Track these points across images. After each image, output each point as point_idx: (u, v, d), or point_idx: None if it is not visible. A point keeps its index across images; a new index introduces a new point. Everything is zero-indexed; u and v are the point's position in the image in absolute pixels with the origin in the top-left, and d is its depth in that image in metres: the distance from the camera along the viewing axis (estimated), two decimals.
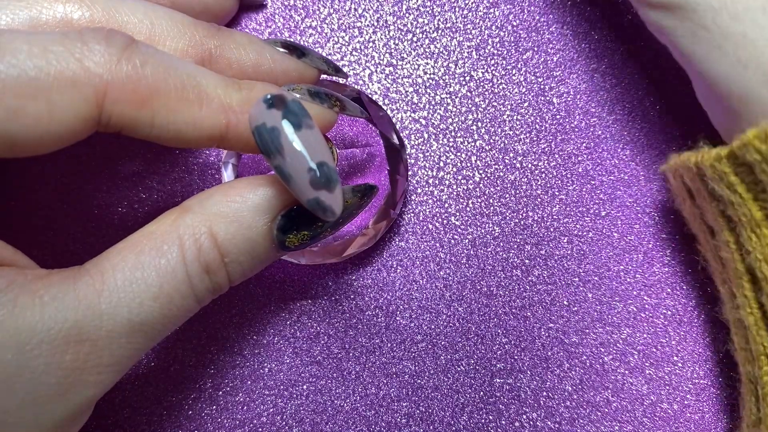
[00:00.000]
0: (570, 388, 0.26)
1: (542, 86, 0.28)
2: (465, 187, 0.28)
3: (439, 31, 0.28)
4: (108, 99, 0.17)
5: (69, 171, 0.27)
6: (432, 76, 0.28)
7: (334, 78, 0.26)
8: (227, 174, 0.25)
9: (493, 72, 0.28)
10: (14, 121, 0.16)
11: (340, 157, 0.24)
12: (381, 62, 0.28)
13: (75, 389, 0.17)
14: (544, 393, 0.26)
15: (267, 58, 0.22)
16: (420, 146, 0.28)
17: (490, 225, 0.27)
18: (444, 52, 0.28)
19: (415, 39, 0.28)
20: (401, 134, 0.27)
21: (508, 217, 0.27)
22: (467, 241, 0.27)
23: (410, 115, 0.28)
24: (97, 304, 0.17)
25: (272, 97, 0.17)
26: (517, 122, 0.28)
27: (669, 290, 0.27)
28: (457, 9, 0.28)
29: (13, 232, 0.27)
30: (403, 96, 0.28)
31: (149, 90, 0.17)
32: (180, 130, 0.18)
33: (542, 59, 0.28)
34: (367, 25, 0.28)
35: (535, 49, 0.28)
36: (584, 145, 0.28)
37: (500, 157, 0.28)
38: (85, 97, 0.17)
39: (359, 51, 0.28)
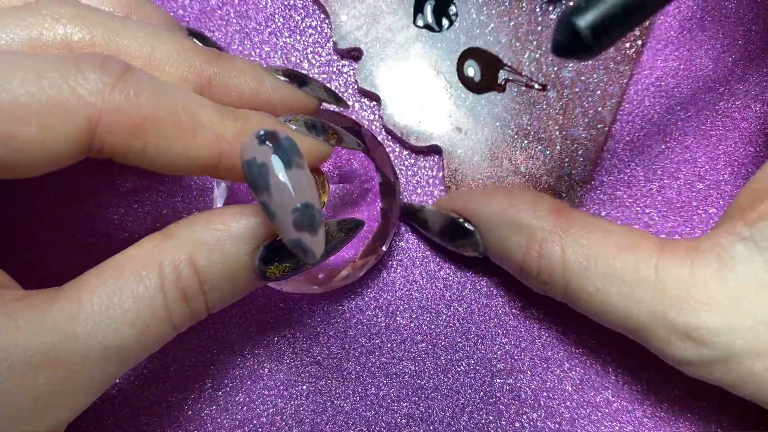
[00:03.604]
0: (570, 388, 0.26)
1: None
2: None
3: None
4: (100, 127, 0.17)
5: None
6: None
7: (335, 107, 0.26)
8: (219, 191, 0.25)
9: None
10: (5, 145, 0.16)
11: (332, 191, 0.24)
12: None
13: (47, 412, 0.17)
14: (544, 393, 0.26)
15: (266, 86, 0.21)
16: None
17: None
18: None
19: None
20: (396, 170, 0.26)
21: None
22: None
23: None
24: (73, 328, 0.17)
25: (265, 132, 0.17)
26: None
27: None
28: None
29: None
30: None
31: (142, 119, 0.17)
32: (172, 159, 0.18)
33: None
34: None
35: None
36: None
37: None
38: (77, 124, 0.16)
39: None
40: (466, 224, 0.25)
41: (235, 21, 0.29)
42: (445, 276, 0.27)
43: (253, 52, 0.29)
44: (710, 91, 0.29)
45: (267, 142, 0.17)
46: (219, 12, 0.29)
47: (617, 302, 0.21)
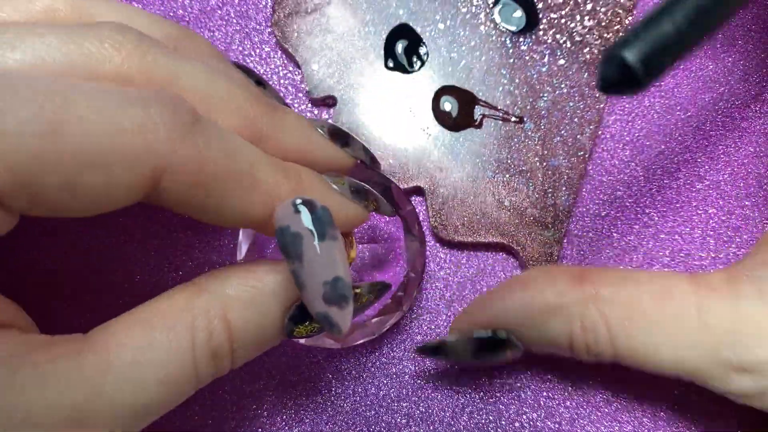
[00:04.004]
0: (570, 388, 0.26)
1: None
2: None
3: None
4: (165, 177, 0.16)
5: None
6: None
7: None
8: (244, 233, 0.24)
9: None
10: (68, 192, 0.15)
11: (359, 250, 0.24)
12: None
13: None
14: (544, 393, 0.26)
15: (312, 145, 0.21)
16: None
17: None
18: None
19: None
20: (423, 229, 0.26)
21: None
22: None
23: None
24: (102, 385, 0.16)
25: (303, 201, 0.17)
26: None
27: None
28: None
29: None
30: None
31: (207, 174, 0.16)
32: (227, 215, 0.18)
33: None
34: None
35: None
36: None
37: None
38: (143, 173, 0.16)
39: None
40: (497, 334, 0.23)
41: (235, 21, 0.29)
42: (445, 276, 0.27)
43: (253, 52, 0.29)
44: (710, 91, 0.29)
45: (303, 212, 0.17)
46: (219, 12, 0.29)
47: (667, 352, 0.21)
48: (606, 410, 0.26)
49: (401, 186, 0.27)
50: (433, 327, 0.27)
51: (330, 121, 0.28)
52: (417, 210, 0.27)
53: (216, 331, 0.17)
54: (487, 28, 0.28)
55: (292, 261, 0.17)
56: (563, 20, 0.28)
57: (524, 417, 0.26)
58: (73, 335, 0.17)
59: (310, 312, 0.18)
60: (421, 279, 0.26)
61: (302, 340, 0.25)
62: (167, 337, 0.17)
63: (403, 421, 0.26)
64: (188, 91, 0.18)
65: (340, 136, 0.22)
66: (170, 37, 0.20)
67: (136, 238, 0.27)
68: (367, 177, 0.24)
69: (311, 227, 0.17)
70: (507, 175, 0.27)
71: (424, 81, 0.28)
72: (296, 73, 0.29)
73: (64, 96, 0.15)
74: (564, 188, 0.27)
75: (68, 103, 0.15)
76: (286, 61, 0.29)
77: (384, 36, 0.28)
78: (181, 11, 0.29)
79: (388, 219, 0.25)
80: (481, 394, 0.26)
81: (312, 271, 0.17)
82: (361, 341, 0.25)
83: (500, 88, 0.28)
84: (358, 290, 0.20)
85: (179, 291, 0.18)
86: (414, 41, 0.28)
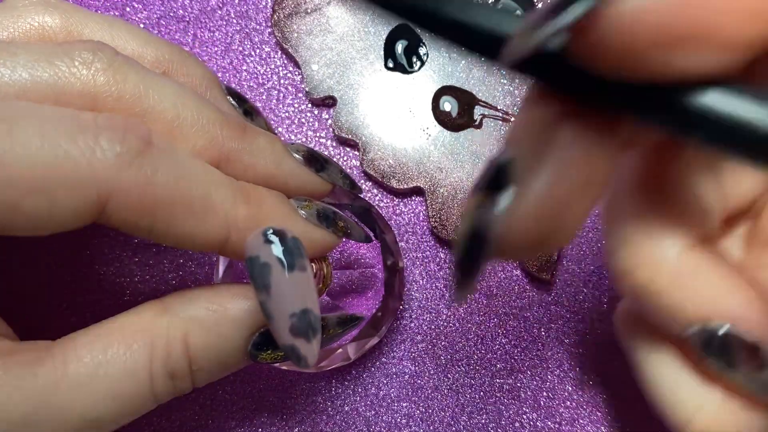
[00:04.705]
0: (570, 388, 0.26)
1: None
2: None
3: None
4: (111, 203, 0.16)
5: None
6: None
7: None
8: (222, 257, 0.24)
9: None
10: (8, 215, 0.15)
11: (335, 276, 0.24)
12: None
13: None
14: (544, 393, 0.26)
15: (284, 170, 0.21)
16: None
17: None
18: None
19: None
20: (402, 256, 0.26)
21: None
22: None
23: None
24: (53, 396, 0.16)
25: (273, 232, 0.17)
26: None
27: None
28: None
29: None
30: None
31: (154, 201, 0.17)
32: (178, 239, 0.18)
33: None
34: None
35: None
36: None
37: None
38: (88, 198, 0.16)
39: None
40: None
41: (235, 21, 0.29)
42: (445, 276, 0.27)
43: (253, 53, 0.29)
44: None
45: (272, 242, 0.17)
46: (219, 12, 0.29)
47: None
48: (606, 410, 0.26)
49: (401, 186, 0.27)
50: (433, 327, 0.27)
51: (330, 121, 0.28)
52: (417, 210, 0.28)
53: (174, 352, 0.18)
54: None
55: (260, 291, 0.17)
56: None
57: (524, 417, 0.26)
58: (39, 342, 0.17)
59: (277, 342, 0.17)
60: (400, 304, 0.25)
61: (276, 364, 0.25)
62: (125, 353, 0.17)
63: (403, 421, 0.26)
64: (155, 111, 0.18)
65: (316, 161, 0.22)
66: (162, 58, 0.21)
67: (132, 241, 0.27)
68: (348, 201, 0.24)
69: (281, 257, 0.17)
70: None
71: (424, 81, 0.28)
72: (296, 73, 0.29)
73: (10, 122, 0.15)
74: None
75: (15, 128, 0.15)
76: (286, 62, 0.29)
77: (384, 36, 0.28)
78: (181, 11, 0.29)
79: (369, 245, 0.25)
80: (481, 394, 0.26)
81: (279, 301, 0.17)
82: (337, 365, 0.24)
83: (500, 88, 0.28)
84: (326, 322, 0.20)
85: (146, 308, 0.18)
86: (414, 41, 0.28)
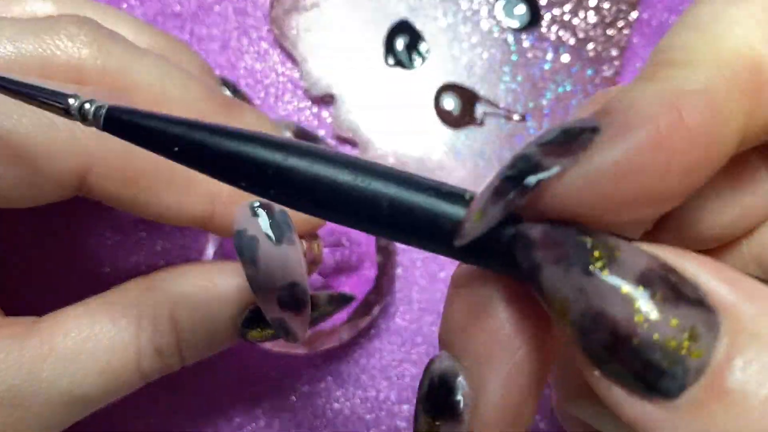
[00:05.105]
0: None
1: None
2: None
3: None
4: (92, 173, 0.16)
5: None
6: None
7: None
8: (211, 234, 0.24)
9: None
10: None
11: (326, 254, 0.24)
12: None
13: None
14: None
15: None
16: None
17: None
18: None
19: None
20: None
21: None
22: None
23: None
24: (40, 370, 0.16)
25: (261, 204, 0.17)
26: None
27: None
28: None
29: None
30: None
31: (136, 171, 0.17)
32: (162, 212, 0.18)
33: None
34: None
35: None
36: None
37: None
38: (70, 168, 0.16)
39: None
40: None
41: (232, 17, 0.28)
42: (445, 277, 0.27)
43: (251, 49, 0.28)
44: None
45: (261, 215, 0.17)
46: (217, 8, 0.28)
47: None
48: None
49: None
50: (433, 329, 0.27)
51: (329, 120, 0.28)
52: None
53: (162, 329, 0.18)
54: (489, 24, 0.28)
55: (247, 265, 0.17)
56: (567, 16, 0.28)
57: None
58: (26, 318, 0.17)
59: (266, 317, 0.17)
60: (393, 283, 0.25)
61: (268, 345, 0.24)
62: (111, 329, 0.17)
63: (404, 424, 0.26)
64: (140, 84, 0.18)
65: (305, 138, 0.22)
66: (156, 46, 0.20)
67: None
68: None
69: (268, 231, 0.17)
70: None
71: (425, 78, 0.27)
72: (294, 70, 0.28)
73: None
74: None
75: None
76: (284, 58, 0.28)
77: (384, 33, 0.28)
78: (178, 7, 0.28)
79: None
80: None
81: (267, 275, 0.17)
82: (330, 346, 0.24)
83: (502, 86, 0.27)
84: (316, 300, 0.20)
85: (133, 284, 0.18)
86: (414, 38, 0.28)
